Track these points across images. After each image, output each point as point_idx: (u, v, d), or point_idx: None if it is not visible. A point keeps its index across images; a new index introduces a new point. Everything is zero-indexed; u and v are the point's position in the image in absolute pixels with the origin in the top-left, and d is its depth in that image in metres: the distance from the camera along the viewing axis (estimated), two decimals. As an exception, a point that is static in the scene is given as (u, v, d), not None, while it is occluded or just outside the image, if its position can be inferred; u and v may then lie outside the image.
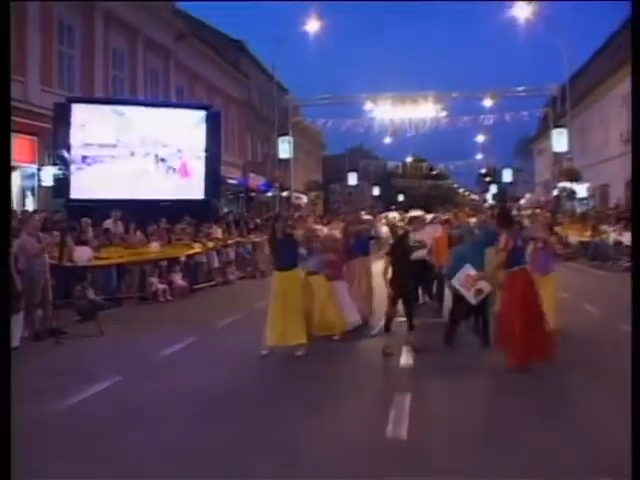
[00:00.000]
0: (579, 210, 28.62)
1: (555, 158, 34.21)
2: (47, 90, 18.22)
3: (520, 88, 34.62)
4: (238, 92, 35.67)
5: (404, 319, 8.26)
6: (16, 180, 16.97)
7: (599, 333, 9.14)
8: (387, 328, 8.19)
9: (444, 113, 34.81)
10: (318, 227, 12.65)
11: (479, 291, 7.94)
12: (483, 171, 72.33)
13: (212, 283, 16.44)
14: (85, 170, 16.53)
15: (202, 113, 18.94)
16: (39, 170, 17.77)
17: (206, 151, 18.41)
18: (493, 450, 4.82)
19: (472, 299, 8.01)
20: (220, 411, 5.94)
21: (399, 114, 34.92)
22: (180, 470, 4.53)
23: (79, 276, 11.72)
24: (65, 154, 16.05)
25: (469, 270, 7.94)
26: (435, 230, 11.45)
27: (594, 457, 4.63)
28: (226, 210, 25.99)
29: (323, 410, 5.91)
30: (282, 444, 5.01)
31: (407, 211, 19.38)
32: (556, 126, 33.40)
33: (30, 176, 17.98)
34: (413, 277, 8.76)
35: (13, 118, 12.08)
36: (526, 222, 11.30)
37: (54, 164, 16.54)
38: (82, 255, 11.98)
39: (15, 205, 16.01)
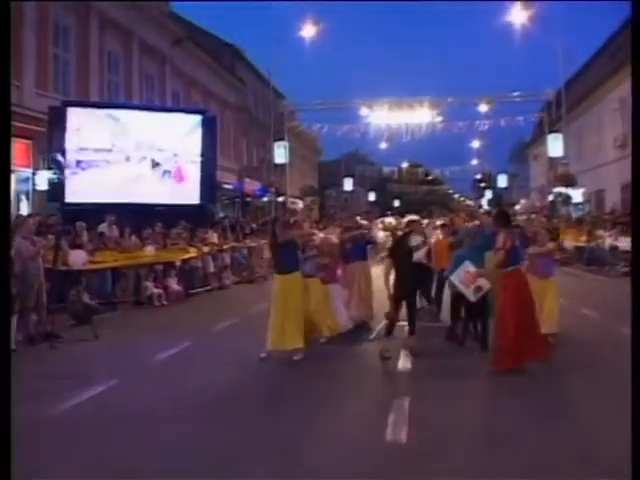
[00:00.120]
0: (575, 215, 28.63)
1: (550, 163, 34.26)
2: (42, 94, 18.15)
3: (515, 93, 34.66)
4: (234, 97, 35.68)
5: (405, 323, 8.21)
6: (11, 184, 16.85)
7: (598, 336, 9.13)
8: (389, 332, 8.09)
9: (440, 118, 34.84)
10: (314, 232, 12.62)
11: (478, 288, 7.90)
12: (478, 177, 72.50)
13: (208, 288, 16.35)
14: (79, 174, 16.44)
15: (198, 118, 18.90)
16: (34, 174, 17.68)
17: (202, 156, 18.34)
18: (493, 450, 4.79)
19: (471, 296, 7.97)
20: (219, 413, 5.90)
21: (395, 119, 34.92)
22: (180, 471, 4.50)
23: (74, 280, 11.62)
24: (60, 158, 15.98)
25: (468, 267, 7.90)
26: (434, 233, 11.45)
27: (594, 457, 4.62)
28: (222, 215, 25.93)
29: (323, 411, 5.88)
30: (282, 445, 4.99)
31: (403, 216, 19.37)
32: (551, 131, 33.46)
33: (25, 180, 17.88)
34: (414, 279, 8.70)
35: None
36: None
37: (49, 168, 16.46)
38: (77, 259, 11.89)
39: (10, 209, 15.90)
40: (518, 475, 4.33)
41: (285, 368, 7.77)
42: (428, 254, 10.51)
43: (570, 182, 30.82)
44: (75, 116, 16.56)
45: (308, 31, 31.96)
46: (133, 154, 17.24)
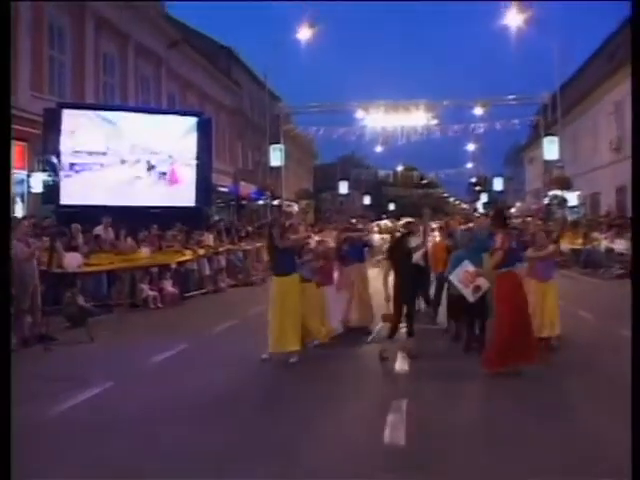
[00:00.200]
0: (570, 218, 28.68)
1: (546, 166, 34.32)
2: (37, 96, 18.06)
3: (511, 96, 34.76)
4: (229, 100, 35.66)
5: (403, 325, 8.16)
6: (11, 186, 16.77)
7: (596, 338, 9.12)
8: (392, 335, 8.02)
9: (435, 121, 34.91)
10: (310, 235, 12.60)
11: (477, 288, 7.86)
12: (473, 180, 72.68)
13: (203, 291, 16.28)
14: (73, 177, 16.39)
15: (193, 120, 18.86)
16: (29, 176, 17.59)
17: (197, 158, 18.30)
18: (492, 452, 4.77)
19: (470, 296, 7.93)
20: (218, 414, 5.86)
21: (390, 122, 34.99)
22: (179, 471, 4.48)
23: (69, 282, 11.56)
24: (54, 160, 15.91)
25: (468, 266, 7.88)
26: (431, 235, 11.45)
27: (594, 458, 4.61)
28: (217, 218, 25.88)
29: (322, 413, 5.86)
30: (281, 446, 4.97)
31: (398, 219, 19.37)
32: (547, 134, 33.55)
33: (19, 182, 17.78)
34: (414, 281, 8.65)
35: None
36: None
37: (44, 170, 16.38)
38: (72, 261, 11.84)
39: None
40: (518, 476, 4.31)
41: (284, 370, 7.74)
42: (425, 256, 10.47)
43: (565, 185, 30.89)
44: (70, 119, 16.49)
45: (304, 34, 31.91)
46: (128, 157, 17.18)
